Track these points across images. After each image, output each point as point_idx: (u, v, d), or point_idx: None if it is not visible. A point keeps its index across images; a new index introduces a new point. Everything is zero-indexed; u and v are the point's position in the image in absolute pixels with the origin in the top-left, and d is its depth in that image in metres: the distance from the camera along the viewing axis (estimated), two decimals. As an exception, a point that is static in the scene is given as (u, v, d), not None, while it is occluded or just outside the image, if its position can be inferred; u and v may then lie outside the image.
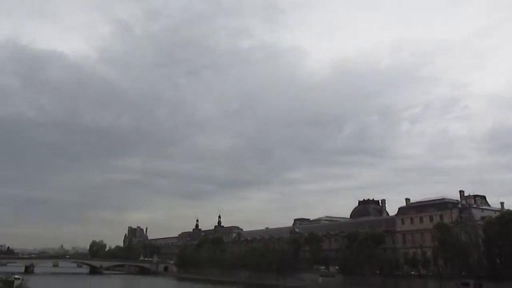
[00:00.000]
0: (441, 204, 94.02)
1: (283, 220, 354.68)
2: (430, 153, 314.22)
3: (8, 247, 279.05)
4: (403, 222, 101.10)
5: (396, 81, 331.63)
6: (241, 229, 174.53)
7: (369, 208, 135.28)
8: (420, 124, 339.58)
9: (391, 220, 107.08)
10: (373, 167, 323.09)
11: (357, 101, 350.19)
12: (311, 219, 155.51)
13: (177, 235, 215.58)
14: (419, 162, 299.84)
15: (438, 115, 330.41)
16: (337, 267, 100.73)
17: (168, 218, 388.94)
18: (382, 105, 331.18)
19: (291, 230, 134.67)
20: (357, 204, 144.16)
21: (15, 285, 55.55)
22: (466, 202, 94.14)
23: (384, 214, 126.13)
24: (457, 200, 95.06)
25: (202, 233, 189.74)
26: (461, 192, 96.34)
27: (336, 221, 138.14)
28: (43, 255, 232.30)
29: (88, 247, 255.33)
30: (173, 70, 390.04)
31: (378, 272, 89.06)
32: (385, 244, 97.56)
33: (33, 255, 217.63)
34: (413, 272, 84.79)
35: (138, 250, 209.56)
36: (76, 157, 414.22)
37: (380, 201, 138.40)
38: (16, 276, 65.86)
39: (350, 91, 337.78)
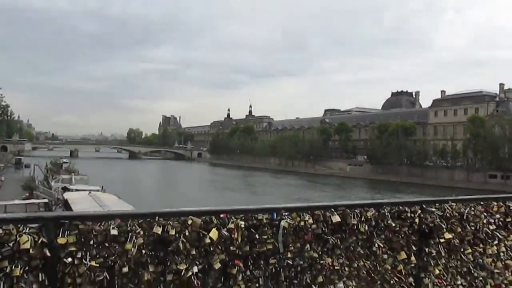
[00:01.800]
0: (477, 97, 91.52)
1: (314, 110, 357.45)
2: (473, 44, 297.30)
3: (53, 134, 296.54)
4: (436, 115, 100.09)
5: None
6: (272, 119, 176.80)
7: (402, 99, 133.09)
8: (465, 12, 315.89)
9: (424, 112, 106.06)
10: (411, 58, 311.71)
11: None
12: (342, 110, 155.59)
13: (209, 124, 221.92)
14: (460, 54, 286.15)
15: (487, 2, 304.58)
16: (365, 157, 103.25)
17: (201, 107, 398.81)
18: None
19: (321, 120, 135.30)
20: (389, 96, 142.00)
21: (63, 167, 60.30)
22: (505, 95, 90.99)
23: (417, 106, 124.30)
24: (496, 94, 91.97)
25: (234, 122, 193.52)
26: (501, 85, 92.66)
27: (367, 112, 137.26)
28: (85, 141, 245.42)
29: (125, 135, 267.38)
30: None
31: (406, 162, 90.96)
32: (415, 136, 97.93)
33: (76, 141, 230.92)
34: (442, 163, 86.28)
35: (172, 138, 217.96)
36: (111, 47, 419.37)
37: (413, 93, 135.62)
38: (64, 160, 71.19)
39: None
